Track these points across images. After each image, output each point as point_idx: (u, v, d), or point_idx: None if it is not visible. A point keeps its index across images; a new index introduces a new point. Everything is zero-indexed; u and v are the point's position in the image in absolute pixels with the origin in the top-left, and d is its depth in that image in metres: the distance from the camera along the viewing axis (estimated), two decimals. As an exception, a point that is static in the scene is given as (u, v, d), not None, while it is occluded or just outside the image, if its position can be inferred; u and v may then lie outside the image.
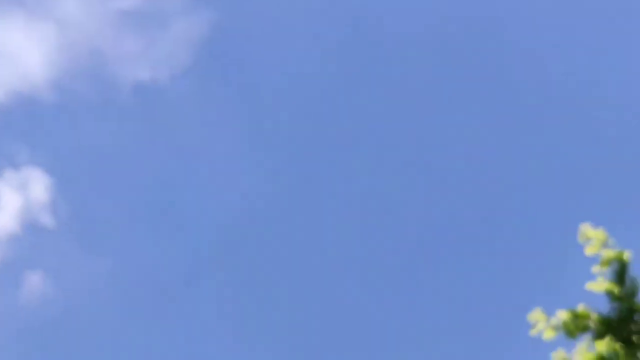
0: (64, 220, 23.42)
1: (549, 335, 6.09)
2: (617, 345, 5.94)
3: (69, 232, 23.89)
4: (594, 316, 5.97)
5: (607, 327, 5.94)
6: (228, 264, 24.55)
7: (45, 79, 22.37)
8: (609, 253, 5.96)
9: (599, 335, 5.98)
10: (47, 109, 23.09)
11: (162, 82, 22.88)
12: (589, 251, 5.99)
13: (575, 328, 6.00)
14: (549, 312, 6.13)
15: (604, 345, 6.05)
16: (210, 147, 23.31)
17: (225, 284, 24.59)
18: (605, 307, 6.03)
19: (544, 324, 6.10)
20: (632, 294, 5.91)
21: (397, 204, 23.61)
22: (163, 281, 24.62)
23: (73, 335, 23.61)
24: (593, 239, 6.00)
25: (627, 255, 5.95)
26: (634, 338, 5.89)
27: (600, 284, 5.99)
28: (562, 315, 6.05)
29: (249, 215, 23.81)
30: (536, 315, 6.14)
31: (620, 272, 5.93)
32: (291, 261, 24.51)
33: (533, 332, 6.12)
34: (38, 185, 22.48)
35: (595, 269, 5.99)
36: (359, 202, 23.64)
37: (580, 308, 6.01)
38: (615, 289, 5.93)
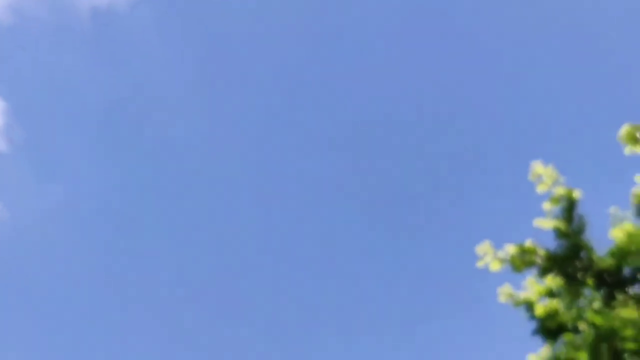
0: (18, 145, 22.97)
1: (495, 267, 6.07)
2: (562, 281, 5.95)
3: (23, 158, 23.48)
4: (541, 252, 5.96)
5: (553, 262, 5.93)
6: (182, 190, 24.43)
7: (1, 2, 21.73)
8: (559, 190, 5.93)
9: (544, 271, 5.97)
10: (4, 33, 22.48)
11: (120, 8, 22.39)
12: (539, 188, 5.95)
13: (521, 262, 5.97)
14: (498, 245, 6.11)
15: (552, 280, 6.06)
16: (167, 74, 22.97)
17: (180, 210, 24.48)
18: (553, 244, 6.02)
19: (491, 256, 6.08)
20: (579, 232, 5.90)
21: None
22: (116, 208, 24.42)
23: (25, 259, 23.38)
24: (544, 176, 5.96)
25: (576, 193, 5.92)
26: (579, 275, 5.89)
27: (548, 220, 5.97)
28: (510, 249, 6.03)
29: (204, 142, 23.64)
30: (484, 248, 6.11)
31: (569, 210, 5.90)
32: (240, 184, 24.46)
33: (480, 264, 6.10)
34: (-7, 109, 21.97)
35: (546, 206, 5.96)
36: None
37: (528, 243, 5.99)
38: (563, 226, 5.90)
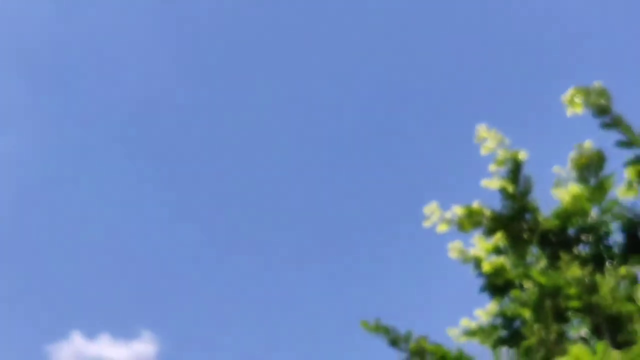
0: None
1: (442, 228, 6.11)
2: (508, 241, 6.01)
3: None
4: (487, 212, 5.99)
5: (499, 223, 5.97)
6: (135, 143, 24.11)
7: None
8: (504, 152, 5.93)
9: (490, 231, 6.02)
10: None
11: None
12: (484, 151, 5.95)
13: (468, 223, 6.01)
14: (445, 207, 6.14)
15: (498, 238, 6.14)
16: (119, 26, 22.44)
17: (131, 162, 24.21)
18: (499, 205, 6.06)
19: (438, 217, 6.11)
20: (525, 193, 5.93)
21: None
22: (65, 160, 24.10)
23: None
24: (488, 138, 5.95)
25: (522, 155, 5.92)
26: (525, 235, 5.95)
27: (495, 181, 5.99)
28: (457, 210, 6.06)
29: (157, 96, 23.25)
30: (431, 208, 6.14)
31: (515, 171, 5.91)
32: (198, 141, 24.21)
33: (426, 224, 6.12)
34: None
35: (492, 167, 5.97)
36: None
37: (475, 204, 6.02)
38: (509, 187, 5.93)
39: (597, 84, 5.66)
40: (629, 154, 5.70)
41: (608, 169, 5.83)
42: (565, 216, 5.83)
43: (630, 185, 5.76)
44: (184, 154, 23.58)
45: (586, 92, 5.62)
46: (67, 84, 22.88)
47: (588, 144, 5.81)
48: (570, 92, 5.67)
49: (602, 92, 5.63)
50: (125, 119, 22.98)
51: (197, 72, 22.89)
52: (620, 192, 5.86)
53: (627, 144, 5.62)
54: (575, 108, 5.60)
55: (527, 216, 5.92)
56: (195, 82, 22.86)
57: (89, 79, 22.77)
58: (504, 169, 5.91)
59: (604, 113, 5.61)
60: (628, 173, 5.71)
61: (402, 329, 6.30)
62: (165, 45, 22.11)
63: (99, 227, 23.56)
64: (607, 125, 5.63)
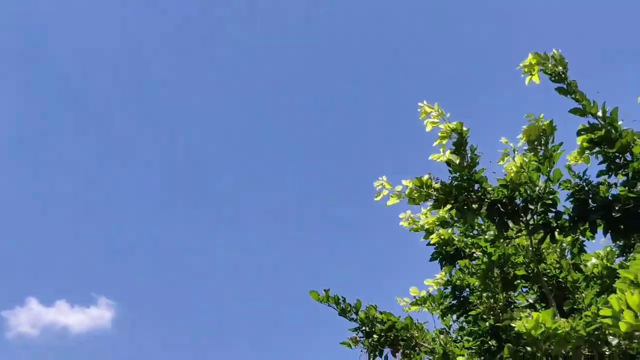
0: None
1: (392, 202, 6.04)
2: (457, 212, 5.98)
3: None
4: (436, 185, 5.93)
5: (448, 194, 5.91)
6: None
7: None
8: (447, 126, 5.82)
9: (440, 203, 5.97)
10: None
11: None
12: (429, 126, 5.83)
13: (419, 196, 5.96)
14: (395, 181, 6.06)
15: (445, 211, 6.11)
16: None
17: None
18: (448, 177, 5.99)
19: (388, 191, 6.04)
20: (472, 164, 5.86)
21: None
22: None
23: None
24: (431, 113, 5.83)
25: (466, 127, 5.82)
26: (474, 205, 5.91)
27: (441, 155, 5.90)
28: (407, 183, 5.99)
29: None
30: (381, 183, 6.06)
31: (460, 144, 5.83)
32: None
33: (377, 199, 6.06)
34: None
35: (437, 142, 5.87)
36: None
37: (424, 177, 5.95)
38: (456, 160, 5.86)
39: (554, 51, 5.54)
40: (582, 121, 5.64)
41: (560, 137, 5.77)
42: (513, 187, 5.80)
43: (581, 153, 5.72)
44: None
45: (544, 59, 5.51)
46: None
47: (541, 115, 5.73)
48: (528, 58, 5.55)
49: (559, 59, 5.52)
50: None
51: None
52: (571, 159, 5.83)
53: (580, 111, 5.54)
54: (533, 74, 5.50)
55: (475, 187, 5.87)
56: None
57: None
58: (449, 142, 5.83)
59: (560, 80, 5.52)
60: (580, 141, 5.66)
61: (352, 299, 6.35)
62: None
63: (57, 195, 23.26)
64: (562, 92, 5.55)
